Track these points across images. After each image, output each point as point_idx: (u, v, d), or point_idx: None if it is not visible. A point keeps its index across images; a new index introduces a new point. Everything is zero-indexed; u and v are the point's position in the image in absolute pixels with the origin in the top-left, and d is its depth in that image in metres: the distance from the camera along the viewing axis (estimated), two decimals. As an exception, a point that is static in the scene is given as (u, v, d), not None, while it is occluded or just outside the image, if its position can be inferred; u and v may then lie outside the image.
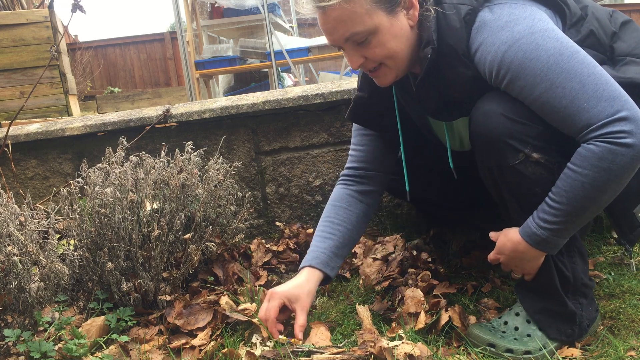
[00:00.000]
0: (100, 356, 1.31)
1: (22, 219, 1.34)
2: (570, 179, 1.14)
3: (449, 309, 1.42)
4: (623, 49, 1.29)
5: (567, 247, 1.26)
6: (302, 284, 1.40)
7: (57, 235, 1.48)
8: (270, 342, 1.33)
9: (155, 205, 1.58)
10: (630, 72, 1.23)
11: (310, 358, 1.25)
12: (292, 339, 1.31)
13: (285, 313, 1.39)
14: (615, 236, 1.80)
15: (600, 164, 1.09)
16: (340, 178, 1.59)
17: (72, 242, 1.54)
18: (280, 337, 1.31)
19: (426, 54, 1.24)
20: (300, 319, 1.35)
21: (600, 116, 1.09)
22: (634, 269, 1.44)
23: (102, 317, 1.44)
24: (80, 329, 1.35)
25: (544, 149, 1.18)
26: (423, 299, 1.45)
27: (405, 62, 1.29)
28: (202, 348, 1.34)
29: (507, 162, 1.20)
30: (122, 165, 1.58)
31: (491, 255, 1.34)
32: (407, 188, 1.48)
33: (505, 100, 1.19)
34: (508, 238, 1.28)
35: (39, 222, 1.42)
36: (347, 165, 1.59)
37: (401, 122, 1.47)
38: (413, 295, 1.47)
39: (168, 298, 1.56)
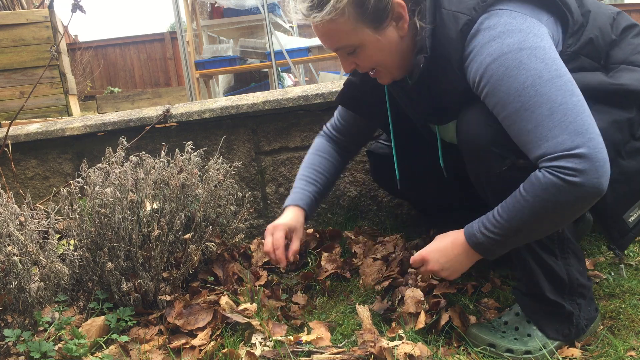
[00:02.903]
0: (100, 356, 1.31)
1: (22, 219, 1.34)
2: (514, 199, 1.15)
3: (449, 309, 1.43)
4: (618, 57, 1.29)
5: (561, 248, 1.26)
6: (296, 218, 1.56)
7: (57, 235, 1.48)
8: (271, 341, 1.33)
9: (155, 205, 1.58)
10: (623, 78, 1.24)
11: (310, 358, 1.25)
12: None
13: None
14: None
15: (542, 195, 1.10)
16: (322, 132, 1.73)
17: (72, 242, 1.54)
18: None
19: (419, 62, 1.25)
20: (295, 245, 1.53)
21: (558, 148, 1.08)
22: (624, 274, 1.44)
23: (102, 317, 1.44)
24: (80, 329, 1.35)
25: None
26: (423, 299, 1.45)
27: (398, 67, 1.32)
28: (202, 348, 1.34)
29: (493, 169, 1.21)
30: (122, 165, 1.58)
31: (418, 255, 1.32)
32: (397, 176, 1.54)
33: (489, 109, 1.19)
34: (448, 234, 1.30)
35: (39, 222, 1.42)
36: (329, 126, 1.71)
37: (393, 115, 1.50)
38: (413, 295, 1.47)
39: (168, 298, 1.56)
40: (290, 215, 1.56)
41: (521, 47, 1.13)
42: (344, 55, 1.31)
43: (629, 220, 1.26)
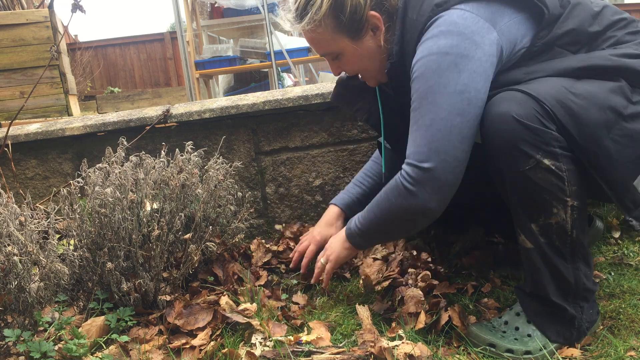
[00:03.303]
0: (100, 356, 1.31)
1: (22, 219, 1.34)
2: (379, 194, 1.32)
3: (449, 309, 1.42)
4: (601, 48, 1.30)
5: (571, 252, 1.25)
6: (331, 221, 1.71)
7: (57, 235, 1.48)
8: (271, 341, 1.33)
9: (155, 205, 1.58)
10: (593, 59, 1.25)
11: (310, 358, 1.25)
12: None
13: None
14: (616, 236, 1.80)
15: (388, 193, 1.29)
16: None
17: (72, 242, 1.54)
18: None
19: (386, 67, 1.38)
20: None
21: (414, 156, 1.22)
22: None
23: (102, 317, 1.44)
24: (80, 329, 1.35)
25: (555, 155, 1.18)
26: (423, 299, 1.45)
27: (379, 72, 1.43)
28: (202, 348, 1.34)
29: (517, 167, 1.20)
30: (122, 165, 1.58)
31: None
32: (383, 170, 1.62)
33: (517, 103, 1.18)
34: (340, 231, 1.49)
35: (39, 222, 1.42)
36: None
37: (385, 114, 1.55)
38: (413, 295, 1.47)
39: (168, 298, 1.56)
40: (327, 218, 1.72)
41: (448, 52, 1.19)
42: (330, 60, 1.45)
43: None
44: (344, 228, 1.47)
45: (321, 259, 1.52)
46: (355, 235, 1.41)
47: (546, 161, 1.18)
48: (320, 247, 1.63)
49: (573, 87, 1.20)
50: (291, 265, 1.74)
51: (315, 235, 1.69)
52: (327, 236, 1.64)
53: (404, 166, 1.26)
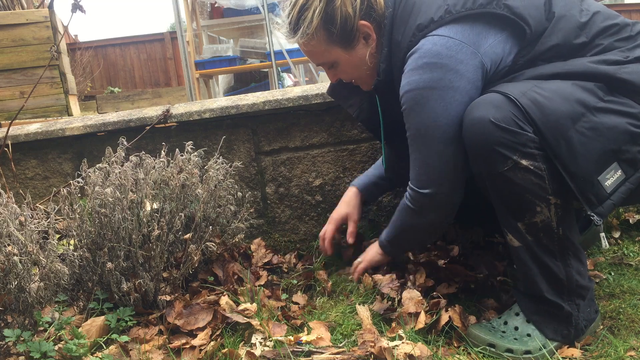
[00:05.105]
0: (100, 356, 1.31)
1: (22, 219, 1.34)
2: (395, 213, 1.48)
3: (449, 309, 1.43)
4: (583, 56, 1.29)
5: (560, 249, 1.26)
6: (349, 202, 1.74)
7: (57, 235, 1.48)
8: (271, 341, 1.33)
9: (155, 205, 1.58)
10: (568, 65, 1.27)
11: (310, 358, 1.25)
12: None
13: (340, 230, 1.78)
14: (616, 236, 1.80)
15: (400, 212, 1.45)
16: None
17: (72, 242, 1.54)
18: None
19: (373, 83, 1.44)
20: (350, 228, 1.71)
21: (416, 183, 1.36)
22: (606, 244, 1.36)
23: (102, 317, 1.44)
24: (80, 329, 1.35)
25: (532, 155, 1.19)
26: (421, 298, 1.45)
27: (372, 78, 1.45)
28: (202, 348, 1.34)
29: (496, 168, 1.22)
30: (122, 165, 1.58)
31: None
32: (384, 165, 1.68)
33: (494, 107, 1.20)
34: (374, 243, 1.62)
35: (39, 222, 1.42)
36: None
37: (384, 116, 1.58)
38: (412, 295, 1.47)
39: (168, 298, 1.56)
40: (346, 202, 1.75)
41: (434, 87, 1.25)
42: (326, 69, 1.50)
43: (606, 184, 1.20)
44: (378, 238, 1.59)
45: (359, 258, 1.63)
46: (385, 245, 1.55)
47: (524, 162, 1.19)
48: (337, 226, 1.72)
49: (541, 84, 1.23)
50: (322, 252, 1.80)
51: (333, 215, 1.75)
52: (344, 215, 1.72)
53: (408, 190, 1.38)
